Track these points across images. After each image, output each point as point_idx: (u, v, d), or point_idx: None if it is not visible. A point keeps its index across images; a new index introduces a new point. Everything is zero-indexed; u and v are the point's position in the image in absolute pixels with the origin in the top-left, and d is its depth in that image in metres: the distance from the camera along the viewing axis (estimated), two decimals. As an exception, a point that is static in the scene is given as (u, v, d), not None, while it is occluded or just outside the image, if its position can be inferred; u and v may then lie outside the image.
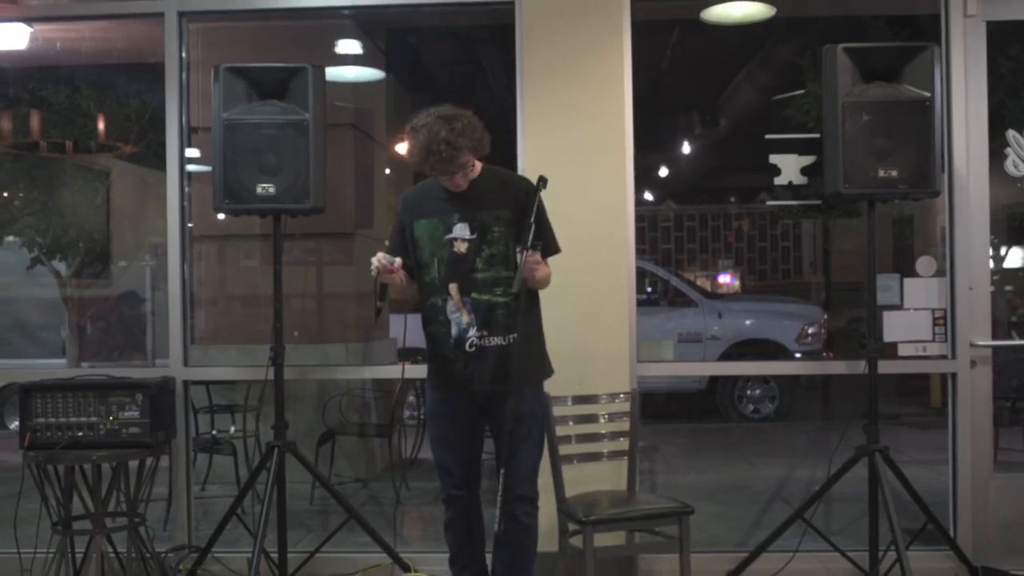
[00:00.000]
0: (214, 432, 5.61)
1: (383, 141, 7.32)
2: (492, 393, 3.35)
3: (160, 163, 7.59)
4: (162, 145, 7.37)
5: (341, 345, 6.37)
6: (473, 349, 3.32)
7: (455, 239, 3.33)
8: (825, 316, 9.57)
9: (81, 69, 6.54)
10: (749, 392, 8.85)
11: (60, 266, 7.78)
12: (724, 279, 13.05)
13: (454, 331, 3.34)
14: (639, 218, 4.14)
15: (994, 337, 4.32)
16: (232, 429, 5.69)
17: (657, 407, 7.67)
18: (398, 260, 3.27)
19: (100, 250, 7.98)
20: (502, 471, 3.27)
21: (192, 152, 4.66)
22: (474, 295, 3.31)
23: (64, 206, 7.40)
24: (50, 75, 6.46)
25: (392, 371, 4.75)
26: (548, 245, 3.38)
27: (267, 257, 6.26)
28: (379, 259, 3.25)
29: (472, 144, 3.24)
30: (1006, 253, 7.99)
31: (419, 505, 5.74)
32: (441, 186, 3.36)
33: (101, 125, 6.64)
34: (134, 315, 8.30)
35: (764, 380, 8.79)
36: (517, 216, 3.32)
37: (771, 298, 11.12)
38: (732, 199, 13.30)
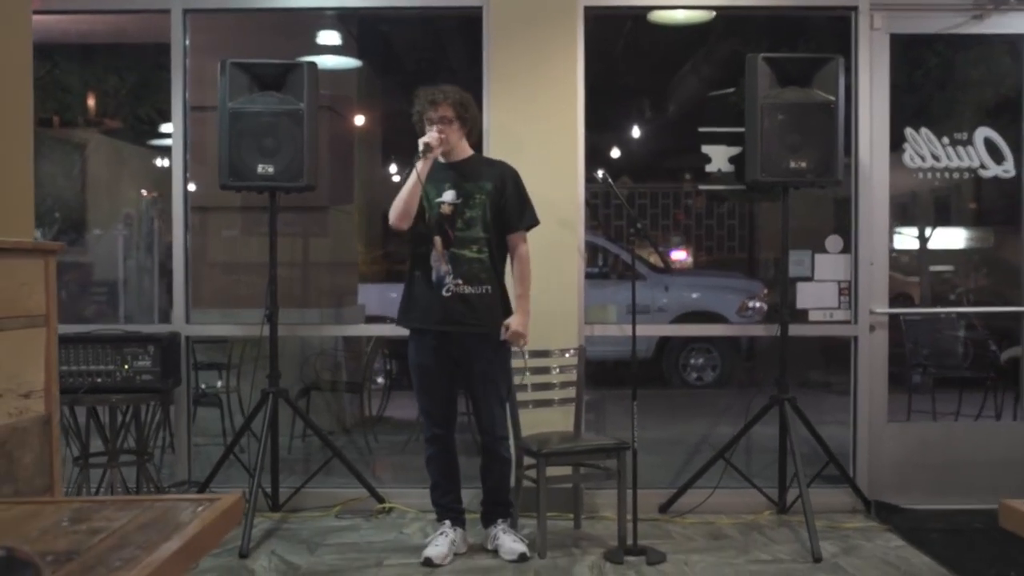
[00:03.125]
0: (202, 386, 6.11)
1: (354, 121, 7.75)
2: (461, 336, 3.95)
3: (135, 137, 7.95)
4: (139, 119, 7.72)
5: (316, 309, 6.87)
6: (449, 294, 3.93)
7: (443, 202, 3.98)
8: (766, 291, 10.11)
9: (62, 46, 6.85)
10: (692, 361, 9.27)
11: (36, 234, 8.11)
12: (677, 255, 13.56)
13: (434, 277, 3.95)
14: (592, 195, 4.73)
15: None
16: (219, 383, 6.20)
17: (607, 373, 8.12)
18: (438, 149, 3.92)
19: (76, 219, 8.34)
20: (482, 418, 4.03)
21: (168, 128, 4.99)
22: (453, 249, 3.94)
23: (42, 176, 7.73)
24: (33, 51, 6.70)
25: (371, 329, 5.34)
26: (531, 218, 4.12)
27: (247, 228, 6.75)
28: (435, 136, 3.90)
29: (456, 105, 3.97)
30: (931, 234, 8.60)
31: (388, 455, 6.31)
32: (441, 163, 4.03)
33: (92, 102, 6.99)
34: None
35: (707, 350, 9.24)
36: (497, 189, 4.00)
37: (715, 273, 11.43)
38: (687, 176, 13.74)
